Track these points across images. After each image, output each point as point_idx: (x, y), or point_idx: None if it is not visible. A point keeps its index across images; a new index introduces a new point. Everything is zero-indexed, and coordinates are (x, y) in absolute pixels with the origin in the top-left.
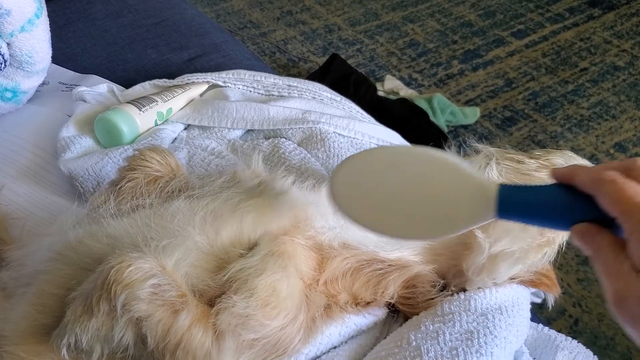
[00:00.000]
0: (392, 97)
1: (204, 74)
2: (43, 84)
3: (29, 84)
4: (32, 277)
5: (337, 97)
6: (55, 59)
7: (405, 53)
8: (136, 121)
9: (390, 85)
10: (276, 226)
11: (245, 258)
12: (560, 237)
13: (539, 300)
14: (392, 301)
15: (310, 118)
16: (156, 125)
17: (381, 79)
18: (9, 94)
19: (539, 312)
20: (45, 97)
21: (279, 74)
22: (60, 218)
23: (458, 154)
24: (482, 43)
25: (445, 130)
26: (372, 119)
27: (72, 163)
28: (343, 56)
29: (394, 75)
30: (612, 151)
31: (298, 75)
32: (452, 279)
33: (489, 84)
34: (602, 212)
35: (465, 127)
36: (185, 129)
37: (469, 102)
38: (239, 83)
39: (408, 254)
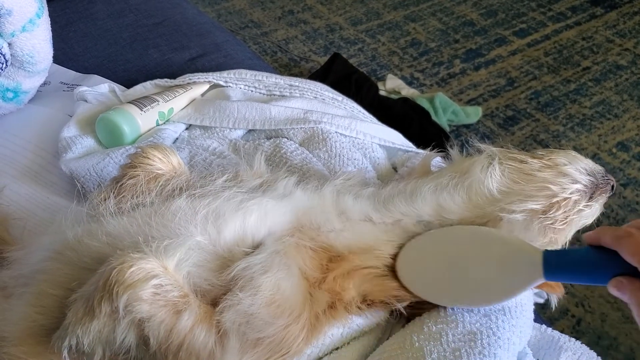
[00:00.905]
0: (393, 96)
1: (205, 73)
2: (44, 84)
3: (30, 84)
4: (30, 276)
5: (339, 96)
6: (57, 59)
7: (407, 52)
8: (137, 121)
9: (392, 85)
10: (280, 228)
11: (250, 256)
12: (563, 237)
13: (541, 300)
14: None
15: (311, 118)
16: (157, 125)
17: (383, 79)
18: (10, 94)
19: (541, 312)
20: (46, 97)
21: (281, 73)
22: (59, 217)
23: (460, 153)
24: (484, 42)
25: (447, 129)
26: (374, 119)
27: (74, 163)
28: (345, 56)
29: (395, 74)
30: (614, 150)
31: (299, 74)
32: None
33: (491, 83)
34: (630, 266)
35: (467, 126)
36: (186, 129)
37: (470, 102)
38: (241, 83)
39: None
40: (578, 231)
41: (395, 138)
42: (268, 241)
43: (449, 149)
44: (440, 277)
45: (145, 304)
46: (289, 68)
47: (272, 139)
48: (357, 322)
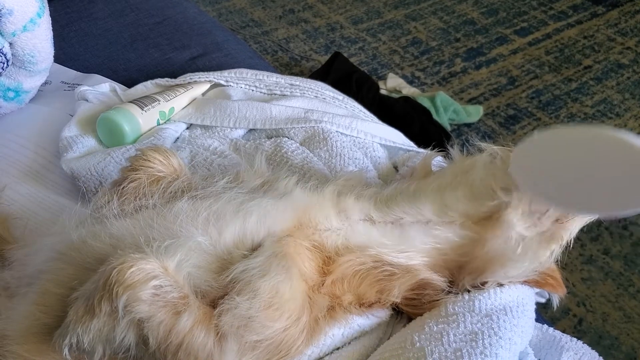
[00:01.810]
0: (394, 95)
1: (206, 73)
2: (45, 83)
3: (31, 83)
4: (34, 276)
5: (340, 95)
6: (58, 59)
7: (408, 51)
8: (138, 121)
9: (393, 84)
10: (280, 227)
11: (249, 259)
12: (568, 234)
13: (542, 300)
14: (397, 301)
15: (312, 117)
16: (158, 124)
17: (384, 78)
18: (11, 94)
19: (542, 312)
20: (47, 97)
21: (281, 72)
22: (63, 218)
23: (461, 152)
24: (485, 41)
25: (448, 128)
26: (375, 118)
27: (75, 163)
28: (345, 54)
29: (396, 73)
30: None
31: (300, 74)
32: (462, 277)
33: (492, 82)
34: None
35: (468, 125)
36: (187, 128)
37: (472, 101)
38: (241, 82)
39: (414, 258)
40: (582, 229)
41: (396, 137)
42: (267, 243)
43: (449, 148)
44: (564, 179)
45: (144, 305)
46: (290, 67)
47: (272, 139)
48: (358, 322)
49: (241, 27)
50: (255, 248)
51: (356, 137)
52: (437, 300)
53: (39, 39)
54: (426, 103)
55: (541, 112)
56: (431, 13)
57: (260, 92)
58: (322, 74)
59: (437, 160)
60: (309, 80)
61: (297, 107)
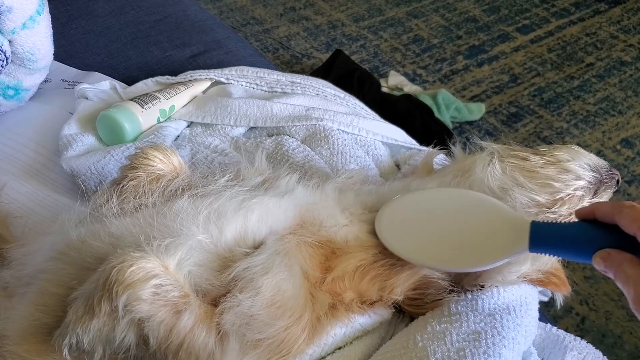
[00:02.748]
0: (396, 93)
1: (206, 70)
2: (45, 81)
3: (31, 81)
4: (33, 276)
5: (341, 93)
6: (57, 56)
7: (410, 49)
8: (139, 118)
9: (395, 82)
10: (282, 225)
11: (251, 257)
12: None
13: (545, 299)
14: (399, 299)
15: (313, 115)
16: (159, 122)
17: (385, 75)
18: (11, 92)
19: (545, 311)
20: (47, 95)
21: (282, 70)
22: (62, 217)
23: (463, 150)
24: (487, 38)
25: (450, 126)
26: (377, 116)
27: (75, 161)
28: (347, 52)
29: (398, 71)
30: (618, 147)
31: (301, 71)
32: (461, 279)
33: (494, 79)
34: (620, 240)
35: (470, 123)
36: (188, 126)
37: (473, 98)
38: (242, 80)
39: None
40: None
41: (397, 135)
42: (269, 241)
43: (451, 146)
44: (421, 237)
45: (144, 304)
46: (291, 65)
47: (273, 137)
48: (360, 321)
49: (242, 25)
50: (256, 246)
51: (358, 135)
52: (440, 299)
53: (38, 37)
54: (428, 101)
55: (543, 110)
56: (433, 10)
57: (261, 90)
58: (323, 72)
59: (439, 158)
60: (310, 77)
61: (298, 105)
